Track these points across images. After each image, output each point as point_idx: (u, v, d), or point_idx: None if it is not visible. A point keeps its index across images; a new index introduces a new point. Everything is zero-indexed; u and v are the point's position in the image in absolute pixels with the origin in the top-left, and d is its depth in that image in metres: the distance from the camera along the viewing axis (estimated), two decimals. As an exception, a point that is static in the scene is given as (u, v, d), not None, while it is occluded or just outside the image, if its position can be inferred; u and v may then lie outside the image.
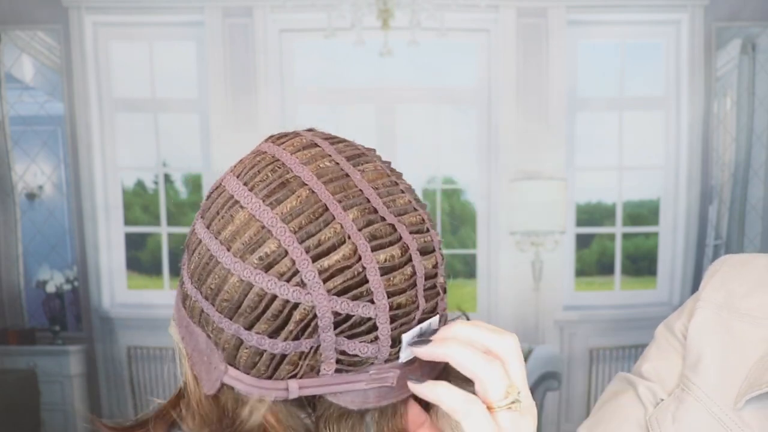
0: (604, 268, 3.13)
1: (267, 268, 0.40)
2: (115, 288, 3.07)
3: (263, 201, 0.41)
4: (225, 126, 2.92)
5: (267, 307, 0.40)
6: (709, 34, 2.90)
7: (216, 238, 0.42)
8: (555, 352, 2.96)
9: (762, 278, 0.61)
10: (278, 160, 0.43)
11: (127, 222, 3.08)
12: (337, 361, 0.41)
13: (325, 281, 0.39)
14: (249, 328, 0.41)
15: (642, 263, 3.12)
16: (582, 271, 3.13)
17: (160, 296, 3.08)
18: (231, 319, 0.42)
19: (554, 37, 2.93)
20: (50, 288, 3.06)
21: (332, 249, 0.40)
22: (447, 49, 3.00)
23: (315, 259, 0.39)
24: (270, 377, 0.42)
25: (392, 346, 0.42)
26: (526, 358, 2.84)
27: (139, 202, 3.12)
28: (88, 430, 3.09)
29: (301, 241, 0.40)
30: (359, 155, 0.44)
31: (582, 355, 3.01)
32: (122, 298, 3.08)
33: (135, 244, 3.12)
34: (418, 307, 0.42)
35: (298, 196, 0.40)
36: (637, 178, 3.09)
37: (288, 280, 0.40)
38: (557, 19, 2.92)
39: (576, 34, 2.96)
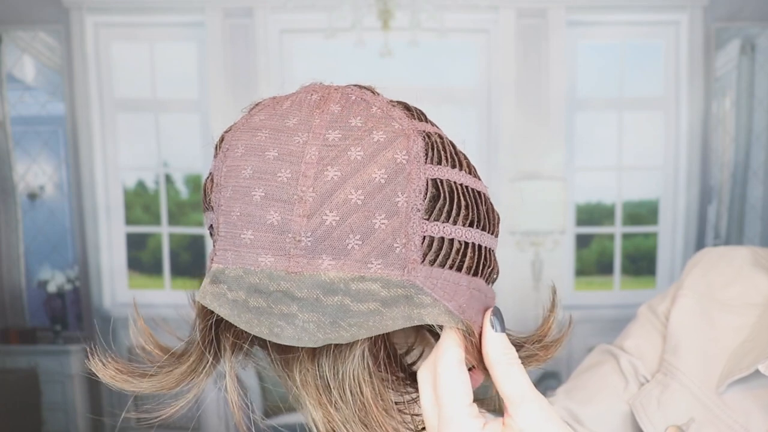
0: (604, 267, 3.14)
1: None
2: (116, 288, 3.08)
3: None
4: (225, 126, 2.92)
5: None
6: (709, 34, 2.90)
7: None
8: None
9: (740, 270, 0.64)
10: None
11: (128, 222, 3.09)
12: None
13: None
14: None
15: (641, 263, 3.12)
16: (582, 271, 3.14)
17: (161, 296, 3.09)
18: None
19: (554, 38, 2.93)
20: (51, 288, 3.07)
21: None
22: (447, 49, 3.00)
23: None
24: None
25: None
26: (525, 358, 2.85)
27: (140, 202, 3.13)
28: (89, 430, 3.09)
29: None
30: None
31: (582, 355, 3.00)
32: (123, 298, 3.08)
33: (136, 244, 3.13)
34: None
35: None
36: (636, 178, 3.09)
37: None
38: (557, 19, 2.92)
39: (575, 35, 2.97)
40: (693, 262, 0.69)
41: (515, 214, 2.96)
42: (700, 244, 2.99)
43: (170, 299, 3.08)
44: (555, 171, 2.97)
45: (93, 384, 3.09)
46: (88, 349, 0.44)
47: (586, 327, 3.02)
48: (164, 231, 3.11)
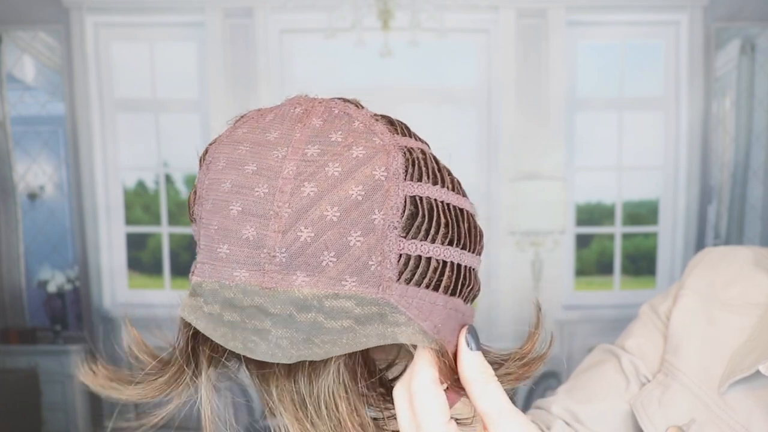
0: (604, 267, 3.13)
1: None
2: (116, 288, 3.08)
3: None
4: (225, 126, 2.92)
5: None
6: (709, 34, 2.90)
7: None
8: (554, 352, 2.96)
9: (741, 270, 0.64)
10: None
11: (128, 222, 3.09)
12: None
13: None
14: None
15: (641, 263, 3.12)
16: (582, 271, 3.13)
17: (161, 296, 3.09)
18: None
19: (554, 38, 2.93)
20: (51, 288, 3.07)
21: None
22: (447, 49, 3.00)
23: None
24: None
25: None
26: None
27: (140, 202, 3.13)
28: (89, 430, 3.09)
29: None
30: None
31: (582, 355, 3.00)
32: (123, 298, 3.09)
33: (136, 244, 3.12)
34: None
35: None
36: (636, 178, 3.09)
37: None
38: (557, 19, 2.92)
39: (575, 35, 2.97)
40: (694, 262, 0.69)
41: (515, 214, 2.96)
42: (700, 244, 2.99)
43: (170, 299, 3.07)
44: (555, 171, 2.97)
45: (93, 384, 3.09)
46: (79, 359, 0.44)
47: (586, 327, 3.02)
48: (164, 231, 3.11)
